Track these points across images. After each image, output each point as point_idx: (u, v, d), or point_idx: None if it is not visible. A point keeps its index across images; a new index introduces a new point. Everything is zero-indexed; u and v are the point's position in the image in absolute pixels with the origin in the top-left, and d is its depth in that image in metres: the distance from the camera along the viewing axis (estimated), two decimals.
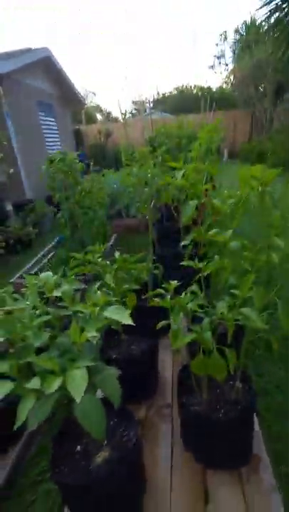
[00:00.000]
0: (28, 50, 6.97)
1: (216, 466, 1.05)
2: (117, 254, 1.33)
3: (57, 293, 0.87)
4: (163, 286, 1.07)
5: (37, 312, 0.80)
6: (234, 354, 0.82)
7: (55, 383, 0.60)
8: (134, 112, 44.14)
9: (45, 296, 1.84)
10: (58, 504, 1.02)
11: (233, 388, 1.06)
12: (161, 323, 0.95)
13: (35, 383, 0.62)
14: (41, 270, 2.55)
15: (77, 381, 0.60)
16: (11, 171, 4.69)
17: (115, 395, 0.73)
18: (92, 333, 0.64)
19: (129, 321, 0.66)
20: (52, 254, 3.25)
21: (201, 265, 1.00)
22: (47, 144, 7.87)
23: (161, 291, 0.99)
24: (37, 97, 7.31)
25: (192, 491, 1.00)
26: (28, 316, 0.77)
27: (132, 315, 0.75)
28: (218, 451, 1.05)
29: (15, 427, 0.58)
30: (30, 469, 1.14)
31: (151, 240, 1.86)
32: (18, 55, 6.38)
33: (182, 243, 1.29)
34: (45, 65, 7.41)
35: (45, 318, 0.76)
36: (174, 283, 1.00)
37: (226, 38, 9.61)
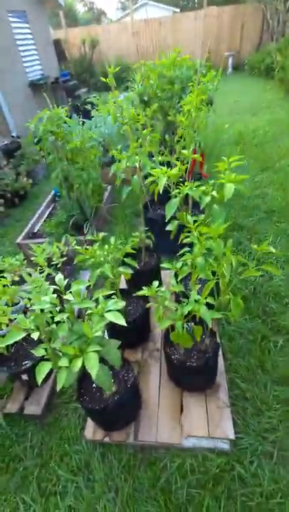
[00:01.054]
0: None
1: (190, 390, 1.52)
2: (112, 239, 1.54)
3: (68, 296, 1.13)
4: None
5: (57, 309, 1.09)
6: (200, 330, 1.15)
7: (78, 363, 0.93)
8: (122, 0, 35.96)
9: (53, 263, 2.11)
10: (82, 416, 1.52)
11: (203, 342, 1.45)
12: (149, 305, 1.26)
13: (64, 362, 0.95)
14: (44, 233, 2.75)
15: (92, 362, 0.93)
16: None
17: (116, 361, 1.08)
18: (98, 332, 0.94)
19: (123, 323, 0.96)
20: (50, 208, 3.40)
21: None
22: (24, 62, 6.91)
23: (145, 292, 1.23)
24: (6, 4, 6.07)
25: (172, 405, 1.48)
26: (52, 312, 1.06)
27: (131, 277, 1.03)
28: (191, 382, 1.50)
29: (58, 389, 0.93)
30: (60, 395, 1.63)
31: (142, 210, 2.04)
32: None
33: (167, 228, 1.49)
34: None
35: (65, 315, 1.05)
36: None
37: None
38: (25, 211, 3.76)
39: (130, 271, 1.43)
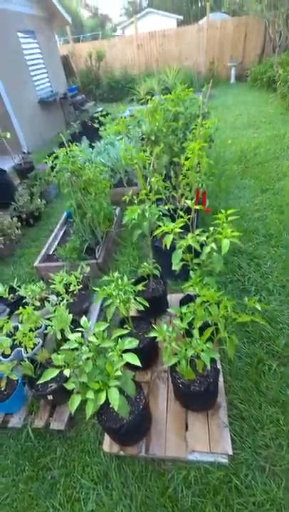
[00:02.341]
0: None
1: (194, 410, 1.74)
2: (125, 279, 1.77)
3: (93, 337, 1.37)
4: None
5: (83, 348, 1.32)
6: (202, 363, 1.37)
7: (103, 396, 1.16)
8: (126, 6, 36.21)
9: (69, 290, 2.35)
10: (100, 431, 1.75)
11: (205, 369, 1.67)
12: (152, 335, 1.48)
13: (91, 395, 1.18)
14: (59, 257, 3.00)
15: (114, 396, 1.16)
16: (8, 135, 4.63)
17: (132, 392, 1.31)
18: (118, 372, 1.17)
19: (138, 364, 1.18)
20: (63, 230, 3.65)
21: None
22: (35, 81, 7.23)
23: (155, 334, 1.46)
24: (17, 25, 6.39)
25: (178, 423, 1.70)
26: (79, 351, 1.30)
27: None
28: (194, 403, 1.72)
29: (87, 418, 1.16)
30: (80, 413, 1.86)
31: (150, 245, 2.27)
32: None
33: (173, 267, 1.72)
34: None
35: (90, 354, 1.28)
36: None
37: None
38: (40, 231, 4.03)
39: (141, 307, 1.66)
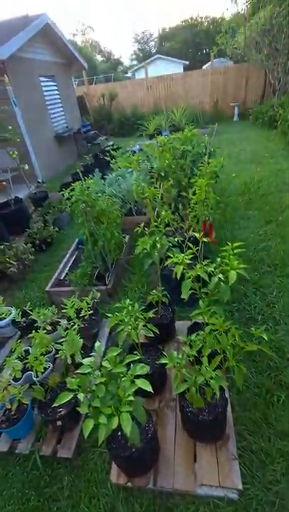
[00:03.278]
0: (26, 19, 6.55)
1: (202, 441, 1.73)
2: (136, 306, 1.85)
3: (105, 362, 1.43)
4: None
5: (95, 373, 1.38)
6: (211, 391, 1.41)
7: (115, 422, 1.20)
8: (136, 52, 39.56)
9: (80, 315, 2.42)
10: (107, 460, 1.74)
11: (214, 398, 1.68)
12: (162, 362, 1.53)
13: (103, 420, 1.22)
14: (70, 282, 3.11)
15: (126, 421, 1.20)
16: (26, 167, 4.97)
17: (142, 419, 1.34)
18: (130, 397, 1.23)
19: (150, 389, 1.24)
20: (74, 256, 3.80)
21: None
22: (52, 119, 7.83)
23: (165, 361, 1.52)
24: (39, 70, 7.09)
25: (187, 455, 1.69)
26: (92, 376, 1.36)
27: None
28: (203, 434, 1.71)
29: (99, 443, 1.20)
30: (88, 440, 1.86)
31: (159, 273, 2.37)
32: (16, 27, 6.08)
33: (182, 296, 1.80)
34: (44, 34, 7.03)
35: (102, 379, 1.34)
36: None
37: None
38: (52, 256, 4.18)
39: (151, 334, 1.72)
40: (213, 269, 1.64)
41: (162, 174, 2.85)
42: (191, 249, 1.77)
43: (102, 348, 1.55)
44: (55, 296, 3.12)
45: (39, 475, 1.76)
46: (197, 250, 1.84)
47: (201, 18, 33.27)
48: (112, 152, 5.52)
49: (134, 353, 1.87)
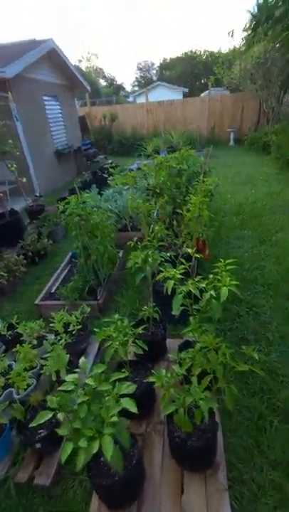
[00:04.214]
0: (33, 43, 6.88)
1: (190, 469, 1.62)
2: (126, 321, 1.80)
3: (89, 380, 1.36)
4: None
5: (78, 391, 1.30)
6: (200, 414, 1.34)
7: (96, 445, 1.12)
8: (138, 79, 41.60)
9: (68, 330, 2.34)
10: (87, 489, 1.61)
11: (203, 422, 1.59)
12: (150, 380, 1.46)
13: (84, 443, 1.14)
14: (61, 295, 3.04)
15: (107, 445, 1.11)
16: (24, 179, 5.02)
17: (126, 442, 1.25)
18: (114, 418, 1.15)
19: (134, 410, 1.16)
20: (67, 269, 3.74)
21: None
22: (53, 136, 8.01)
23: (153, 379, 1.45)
24: (43, 90, 7.35)
25: (174, 484, 1.57)
26: (75, 394, 1.28)
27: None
28: (191, 461, 1.61)
29: (78, 469, 1.10)
30: (68, 467, 1.73)
31: (151, 289, 2.33)
32: (23, 49, 6.35)
33: (173, 312, 1.75)
34: (49, 57, 7.35)
35: (85, 398, 1.26)
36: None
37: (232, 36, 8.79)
38: (45, 269, 4.12)
39: (141, 350, 1.66)
40: (204, 286, 1.61)
41: (158, 191, 2.88)
42: (184, 264, 1.75)
43: (89, 365, 1.48)
44: (45, 309, 3.04)
45: (13, 504, 1.62)
46: (190, 266, 1.81)
47: (200, 51, 35.37)
48: (110, 169, 5.62)
49: (122, 370, 1.80)
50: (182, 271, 1.62)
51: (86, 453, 1.12)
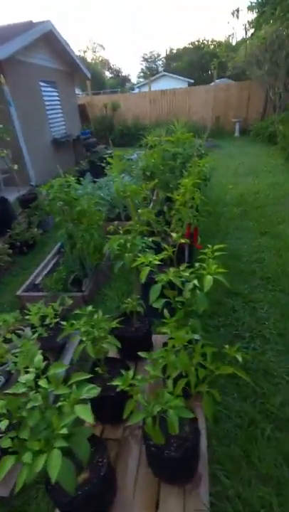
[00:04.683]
0: (30, 24, 6.59)
1: (168, 481, 1.42)
2: (100, 314, 1.60)
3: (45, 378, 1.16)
4: None
5: (31, 393, 1.11)
6: (174, 423, 1.13)
7: (41, 462, 0.92)
8: (144, 70, 40.97)
9: (45, 323, 2.15)
10: (51, 504, 1.43)
11: (183, 429, 1.40)
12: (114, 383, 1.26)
13: (28, 459, 0.94)
14: (44, 286, 2.85)
15: (53, 461, 0.92)
16: (16, 167, 4.81)
17: (84, 456, 1.06)
18: (63, 430, 0.95)
19: (90, 420, 0.97)
20: (55, 260, 3.55)
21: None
22: (50, 124, 7.76)
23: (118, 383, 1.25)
24: (40, 75, 7.08)
25: (148, 499, 1.38)
26: (26, 399, 1.08)
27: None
28: (169, 473, 1.41)
29: (18, 489, 0.91)
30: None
31: (135, 279, 2.12)
32: (18, 31, 6.08)
33: (154, 305, 1.54)
34: (47, 40, 7.05)
35: (37, 403, 1.07)
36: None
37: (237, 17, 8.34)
38: (33, 260, 3.93)
39: (114, 348, 1.46)
40: (188, 275, 1.39)
41: (148, 174, 2.65)
42: (166, 250, 1.53)
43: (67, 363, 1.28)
44: (27, 301, 2.85)
45: None
46: (174, 253, 1.60)
47: (208, 41, 34.39)
48: (108, 159, 5.38)
49: (96, 369, 1.61)
50: (162, 257, 1.41)
51: (30, 470, 0.92)
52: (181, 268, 1.51)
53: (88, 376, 1.18)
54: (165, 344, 1.97)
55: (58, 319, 2.21)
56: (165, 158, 3.07)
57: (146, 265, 1.35)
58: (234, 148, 9.06)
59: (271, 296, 2.65)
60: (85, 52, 41.37)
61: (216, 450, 1.55)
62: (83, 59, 33.04)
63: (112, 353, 2.14)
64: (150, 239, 1.74)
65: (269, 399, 1.78)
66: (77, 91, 15.21)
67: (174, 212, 2.25)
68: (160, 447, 1.36)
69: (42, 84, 7.16)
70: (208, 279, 1.26)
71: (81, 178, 4.39)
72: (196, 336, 1.24)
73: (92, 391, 1.11)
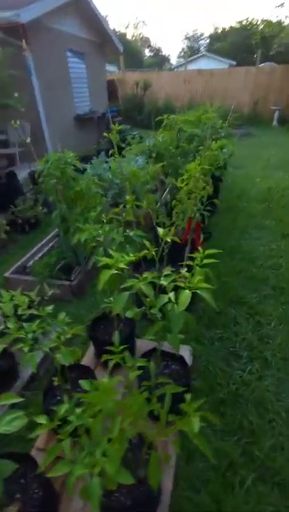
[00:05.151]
0: None
1: None
2: (62, 316, 1.35)
3: None
4: None
5: None
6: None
7: None
8: (185, 49, 39.12)
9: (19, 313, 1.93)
10: None
11: (137, 470, 1.14)
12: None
13: None
14: (33, 270, 2.65)
15: None
16: (28, 140, 4.59)
17: None
18: None
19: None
20: (52, 243, 3.35)
21: None
22: (75, 98, 7.42)
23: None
24: (67, 44, 6.70)
25: None
26: None
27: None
28: None
29: None
30: None
31: None
32: None
33: (126, 314, 1.27)
34: (78, 6, 6.61)
35: None
36: None
37: None
38: (34, 240, 3.75)
39: (70, 361, 1.21)
40: (166, 284, 1.10)
41: (153, 155, 2.31)
42: (147, 248, 1.23)
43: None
44: (14, 284, 2.68)
45: None
46: (164, 252, 1.30)
47: (257, 20, 31.66)
48: (129, 139, 5.03)
49: (53, 379, 1.39)
50: (133, 258, 1.11)
51: None
52: (165, 272, 1.20)
53: (16, 400, 0.94)
54: (146, 354, 1.71)
55: (31, 311, 2.00)
56: (180, 139, 2.69)
57: (115, 267, 1.06)
58: (269, 138, 8.30)
59: (282, 310, 2.28)
60: (126, 27, 39.91)
61: (181, 495, 1.29)
62: (123, 35, 31.81)
63: (88, 359, 1.92)
64: (131, 232, 1.44)
65: (257, 439, 1.48)
66: (113, 68, 14.64)
67: (175, 202, 1.91)
68: (106, 490, 1.12)
69: (69, 54, 6.80)
70: (186, 295, 0.96)
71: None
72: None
73: (15, 423, 0.87)
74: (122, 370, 1.81)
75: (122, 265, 1.06)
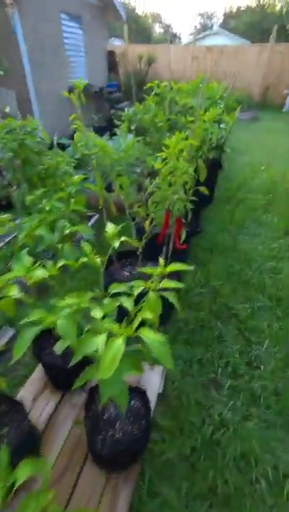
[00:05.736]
0: None
1: None
2: None
3: None
4: None
5: None
6: None
7: None
8: (197, 26, 37.10)
9: None
10: None
11: None
12: None
13: None
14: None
15: None
16: (8, 109, 4.07)
17: None
18: None
19: None
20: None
21: None
22: (69, 69, 6.74)
23: None
24: (61, 5, 5.98)
25: None
26: None
27: None
28: None
29: None
30: None
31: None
32: None
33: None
34: None
35: None
36: None
37: None
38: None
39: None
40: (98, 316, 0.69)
41: (132, 128, 1.85)
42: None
43: None
44: None
45: None
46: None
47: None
48: (124, 115, 4.49)
49: None
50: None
51: None
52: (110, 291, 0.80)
53: None
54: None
55: None
56: (172, 112, 2.22)
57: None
58: (277, 124, 7.69)
59: (278, 327, 1.89)
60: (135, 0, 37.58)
61: None
62: (132, 10, 29.90)
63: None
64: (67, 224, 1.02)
65: (233, 509, 1.12)
66: (118, 42, 13.64)
67: (152, 189, 1.48)
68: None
69: (63, 16, 6.08)
70: (116, 346, 0.56)
71: None
72: None
73: None
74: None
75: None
